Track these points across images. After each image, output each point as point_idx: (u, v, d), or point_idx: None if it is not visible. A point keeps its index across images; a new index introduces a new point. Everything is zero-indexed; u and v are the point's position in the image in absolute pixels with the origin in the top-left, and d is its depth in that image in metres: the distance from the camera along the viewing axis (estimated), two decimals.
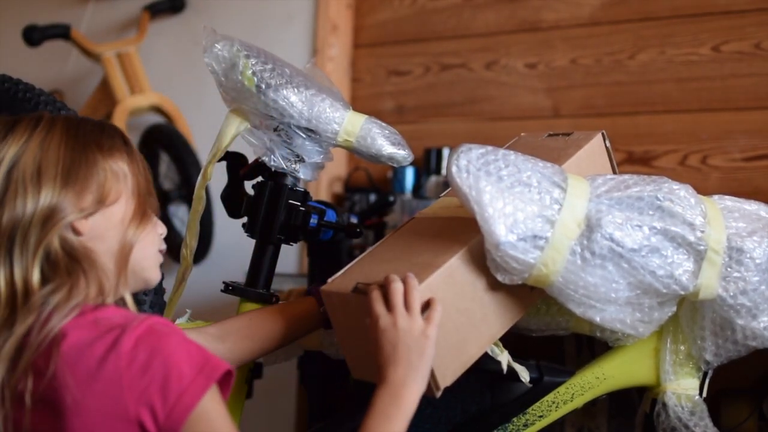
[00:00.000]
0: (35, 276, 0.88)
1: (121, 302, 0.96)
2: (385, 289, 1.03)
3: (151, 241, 1.00)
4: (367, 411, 0.96)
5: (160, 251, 1.03)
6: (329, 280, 1.14)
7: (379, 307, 1.01)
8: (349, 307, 1.09)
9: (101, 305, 0.92)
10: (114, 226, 0.95)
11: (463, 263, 1.08)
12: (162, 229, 1.03)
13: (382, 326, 1.00)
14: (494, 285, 1.11)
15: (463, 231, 1.12)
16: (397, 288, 1.01)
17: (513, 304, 1.15)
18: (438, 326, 1.01)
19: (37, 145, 0.92)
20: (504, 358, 1.19)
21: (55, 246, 0.90)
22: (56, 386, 0.85)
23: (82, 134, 0.95)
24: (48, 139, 0.93)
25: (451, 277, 1.07)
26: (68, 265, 0.90)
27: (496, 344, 1.19)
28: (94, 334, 0.87)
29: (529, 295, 1.17)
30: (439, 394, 1.07)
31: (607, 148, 1.31)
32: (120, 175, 0.96)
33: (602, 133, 1.31)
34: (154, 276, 1.02)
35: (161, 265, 1.34)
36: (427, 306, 1.02)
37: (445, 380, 1.07)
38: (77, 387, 0.85)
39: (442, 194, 1.31)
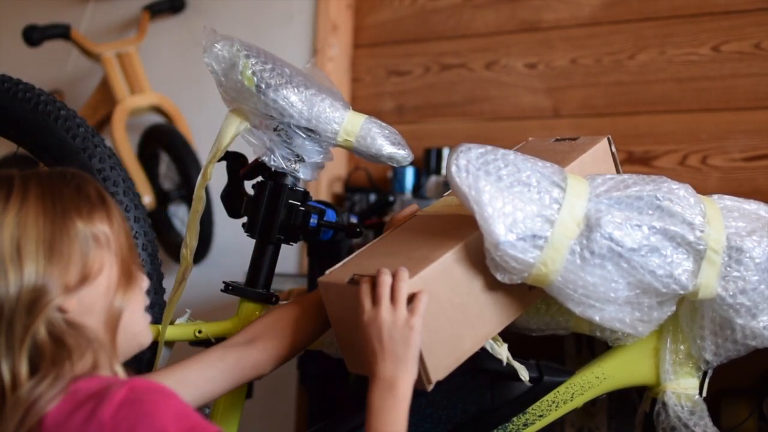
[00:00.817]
0: (23, 370, 0.84)
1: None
2: (374, 281, 1.03)
3: (138, 303, 0.96)
4: (367, 411, 0.97)
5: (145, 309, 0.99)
6: (327, 271, 1.14)
7: (365, 299, 1.02)
8: (344, 299, 1.10)
9: (84, 376, 0.87)
10: (101, 297, 0.90)
11: (460, 258, 1.09)
12: (146, 284, 0.98)
13: (366, 320, 1.01)
14: (491, 282, 1.11)
15: (462, 227, 1.12)
16: (385, 281, 1.02)
17: (511, 302, 1.15)
18: (422, 316, 1.01)
19: (12, 220, 0.85)
20: (503, 351, 1.19)
21: (42, 334, 0.85)
22: None
23: (60, 200, 0.89)
24: (23, 211, 0.86)
25: (447, 272, 1.07)
26: (54, 352, 0.85)
27: (494, 339, 1.19)
28: (72, 406, 0.83)
29: (527, 294, 1.17)
30: (430, 387, 1.07)
31: (612, 153, 1.31)
32: (102, 240, 0.90)
33: (608, 138, 1.31)
34: (146, 338, 0.98)
35: (160, 265, 1.35)
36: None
37: (438, 374, 1.07)
38: None
39: (445, 194, 1.32)
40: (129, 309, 0.93)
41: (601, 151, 1.30)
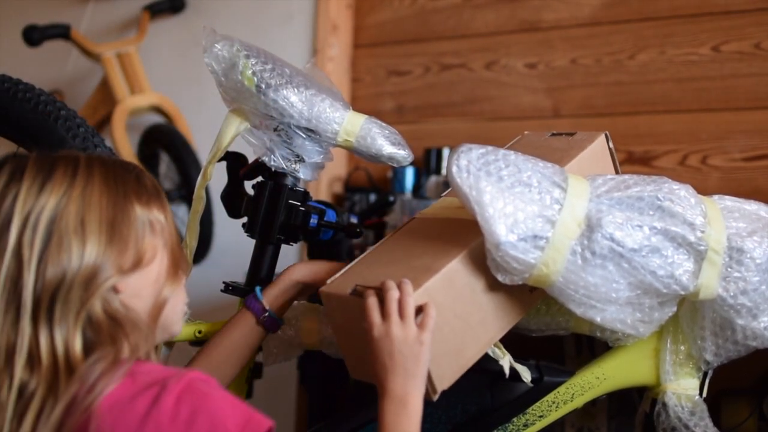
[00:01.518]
0: (77, 344, 0.85)
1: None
2: (381, 295, 1.03)
3: (181, 296, 0.99)
4: (380, 427, 0.97)
5: (186, 303, 1.02)
6: (329, 281, 1.14)
7: (374, 314, 1.02)
8: (347, 309, 1.09)
9: (135, 360, 0.89)
10: (150, 284, 0.93)
11: (462, 267, 1.08)
12: (185, 279, 1.01)
13: (377, 335, 1.01)
14: (493, 288, 1.11)
15: (462, 234, 1.11)
16: (393, 296, 1.02)
17: (512, 307, 1.14)
18: (432, 331, 1.01)
19: (79, 196, 0.89)
20: (506, 361, 1.19)
21: (97, 310, 0.87)
22: None
23: (122, 183, 0.93)
24: (88, 190, 0.90)
25: (450, 282, 1.07)
26: (111, 329, 0.87)
27: (497, 346, 1.19)
28: (133, 390, 0.85)
29: (528, 298, 1.17)
30: (436, 397, 1.07)
31: (610, 149, 1.31)
32: (157, 228, 0.94)
33: (605, 134, 1.30)
34: (178, 328, 1.00)
35: None
36: (421, 311, 1.03)
37: (443, 384, 1.07)
38: None
39: (444, 194, 1.31)
40: (173, 299, 0.96)
41: (599, 147, 1.30)
